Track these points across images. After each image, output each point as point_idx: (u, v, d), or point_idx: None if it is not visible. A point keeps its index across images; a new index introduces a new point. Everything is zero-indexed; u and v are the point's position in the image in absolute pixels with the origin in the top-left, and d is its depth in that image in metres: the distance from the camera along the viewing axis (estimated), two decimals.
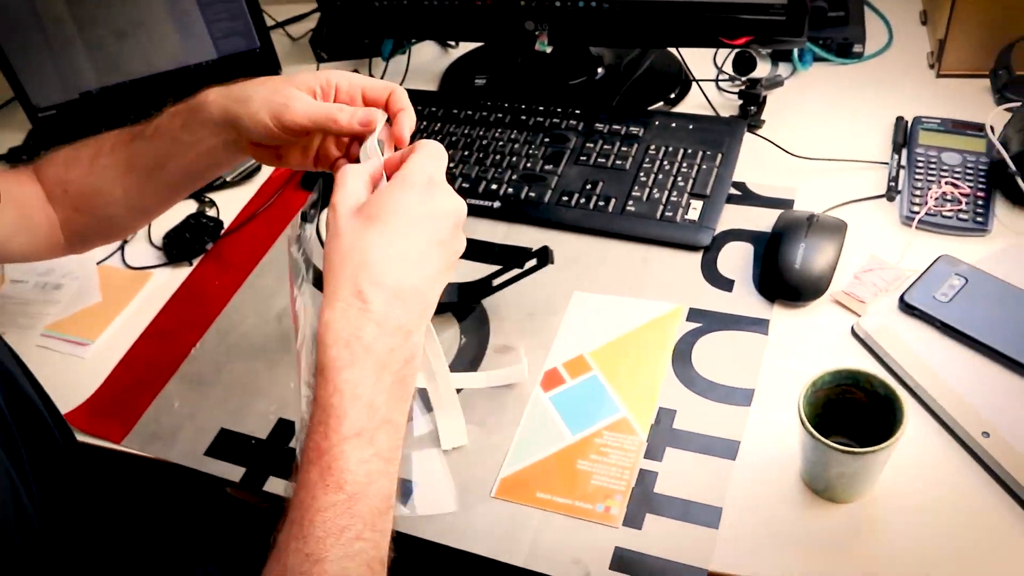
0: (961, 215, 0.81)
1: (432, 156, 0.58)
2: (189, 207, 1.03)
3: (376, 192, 0.56)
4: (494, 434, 0.74)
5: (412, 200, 0.55)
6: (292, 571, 0.47)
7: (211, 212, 1.03)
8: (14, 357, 0.71)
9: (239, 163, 1.03)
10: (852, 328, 0.76)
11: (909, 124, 0.92)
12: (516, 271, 0.81)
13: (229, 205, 1.04)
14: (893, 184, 0.86)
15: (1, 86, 1.22)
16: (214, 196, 1.04)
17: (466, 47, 1.22)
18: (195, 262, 0.97)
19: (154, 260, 0.99)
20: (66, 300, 0.95)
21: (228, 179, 1.06)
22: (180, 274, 0.96)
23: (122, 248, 1.01)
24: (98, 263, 0.99)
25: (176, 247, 0.98)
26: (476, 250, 0.80)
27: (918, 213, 0.82)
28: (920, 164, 0.86)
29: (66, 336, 0.91)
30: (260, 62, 1.21)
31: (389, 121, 0.66)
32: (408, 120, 0.65)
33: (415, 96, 1.10)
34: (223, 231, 1.00)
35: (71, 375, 0.87)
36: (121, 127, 0.76)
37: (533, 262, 0.80)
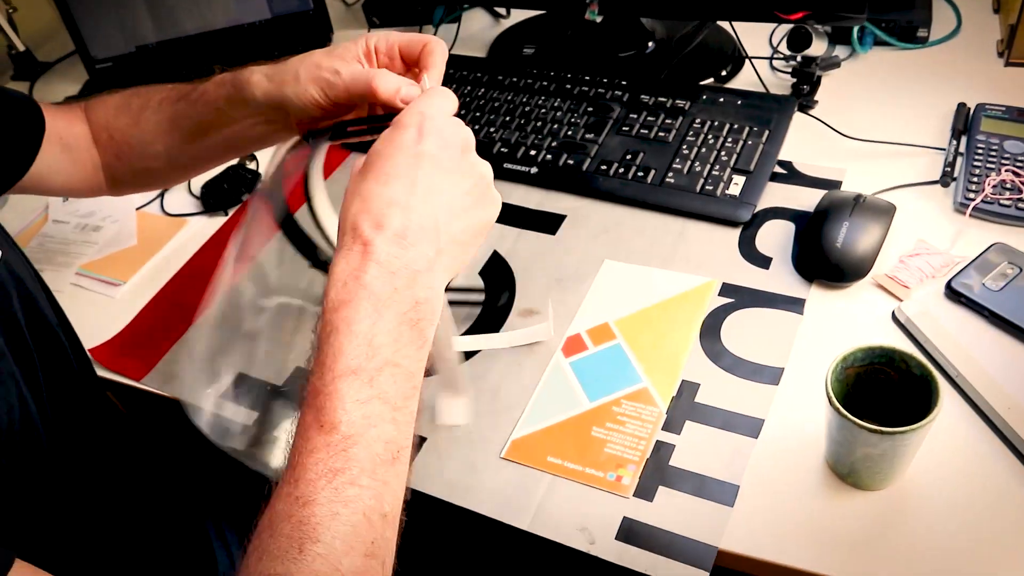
0: (1020, 204, 0.77)
1: (429, 95, 0.56)
2: None
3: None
4: (510, 395, 0.72)
5: (404, 139, 0.53)
6: (281, 515, 0.45)
7: (251, 165, 1.03)
8: (41, 286, 0.71)
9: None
10: (893, 313, 0.72)
11: (971, 111, 0.87)
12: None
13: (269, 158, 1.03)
14: (949, 170, 0.82)
15: (62, 40, 1.25)
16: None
17: (517, 17, 1.20)
18: (230, 212, 0.98)
19: (191, 208, 0.99)
20: (103, 241, 0.97)
21: None
22: (215, 223, 0.97)
23: (162, 195, 1.02)
24: (137, 208, 1.00)
25: (213, 197, 0.98)
26: (507, 213, 0.77)
27: (973, 200, 0.77)
28: (980, 151, 0.82)
29: (99, 276, 0.92)
30: (312, 24, 1.21)
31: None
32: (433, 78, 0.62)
33: (463, 62, 1.11)
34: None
35: (100, 313, 0.88)
36: (174, 81, 0.75)
37: None
